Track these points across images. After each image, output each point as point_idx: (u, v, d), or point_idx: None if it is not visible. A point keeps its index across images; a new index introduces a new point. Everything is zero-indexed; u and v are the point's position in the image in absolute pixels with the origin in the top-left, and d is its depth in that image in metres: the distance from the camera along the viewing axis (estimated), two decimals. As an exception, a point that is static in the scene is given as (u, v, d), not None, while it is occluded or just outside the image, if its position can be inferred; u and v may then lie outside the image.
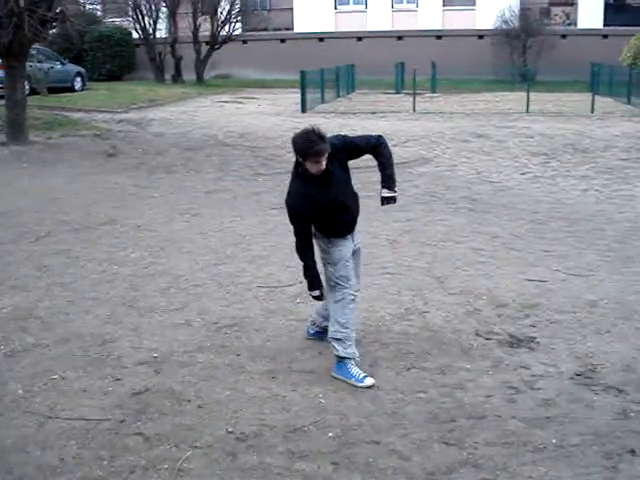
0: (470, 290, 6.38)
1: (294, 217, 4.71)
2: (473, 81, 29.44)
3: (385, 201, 4.86)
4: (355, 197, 4.92)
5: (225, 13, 32.29)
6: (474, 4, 35.66)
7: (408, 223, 8.69)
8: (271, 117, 20.32)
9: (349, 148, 4.77)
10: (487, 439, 4.05)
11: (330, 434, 4.11)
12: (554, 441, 4.03)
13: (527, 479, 3.70)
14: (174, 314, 5.89)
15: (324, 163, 4.50)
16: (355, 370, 4.75)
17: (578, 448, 3.97)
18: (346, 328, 4.76)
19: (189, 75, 32.22)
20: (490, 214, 9.24)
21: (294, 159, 4.70)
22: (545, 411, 4.34)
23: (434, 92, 26.94)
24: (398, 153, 13.85)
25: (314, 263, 4.81)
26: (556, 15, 36.36)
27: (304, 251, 4.79)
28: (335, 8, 36.94)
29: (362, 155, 4.91)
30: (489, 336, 5.41)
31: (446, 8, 35.95)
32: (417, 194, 10.36)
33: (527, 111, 21.10)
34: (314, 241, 4.83)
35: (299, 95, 22.23)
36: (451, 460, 3.86)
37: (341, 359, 4.78)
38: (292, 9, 36.80)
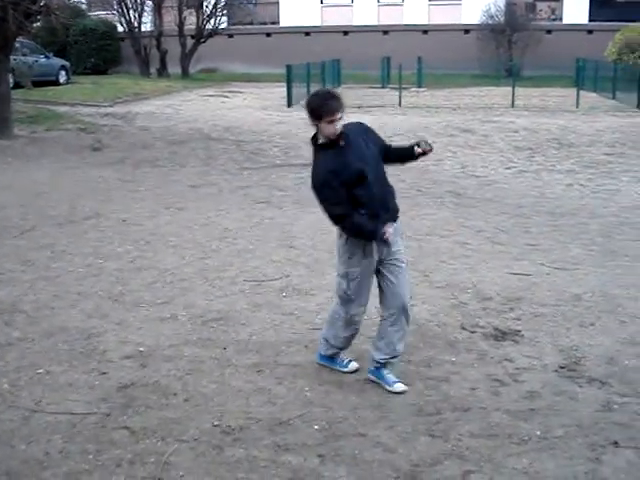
0: (455, 284, 6.41)
1: (323, 188, 4.36)
2: (459, 76, 29.50)
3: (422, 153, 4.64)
4: (386, 181, 4.58)
5: (211, 7, 32.18)
6: (460, -1, 35.72)
7: (394, 217, 8.71)
8: (257, 111, 20.29)
9: (371, 132, 4.62)
10: (472, 431, 4.08)
11: (316, 427, 4.12)
12: (538, 433, 4.07)
13: (511, 470, 3.72)
14: (160, 308, 5.89)
15: (339, 125, 4.28)
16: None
17: (562, 440, 4.01)
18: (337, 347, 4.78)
19: (174, 69, 32.10)
20: (475, 208, 9.28)
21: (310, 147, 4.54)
22: (529, 403, 4.38)
23: (420, 87, 26.99)
24: (384, 147, 13.87)
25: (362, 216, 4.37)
26: (541, 10, 36.45)
27: (348, 214, 4.35)
28: (321, 2, 36.88)
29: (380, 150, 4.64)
30: (474, 329, 5.44)
31: (432, 3, 35.97)
32: (403, 188, 10.36)
33: (512, 106, 21.18)
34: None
35: (285, 89, 22.20)
36: (436, 452, 3.88)
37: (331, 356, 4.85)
38: (278, 3, 36.72)
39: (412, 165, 13.43)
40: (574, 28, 34.01)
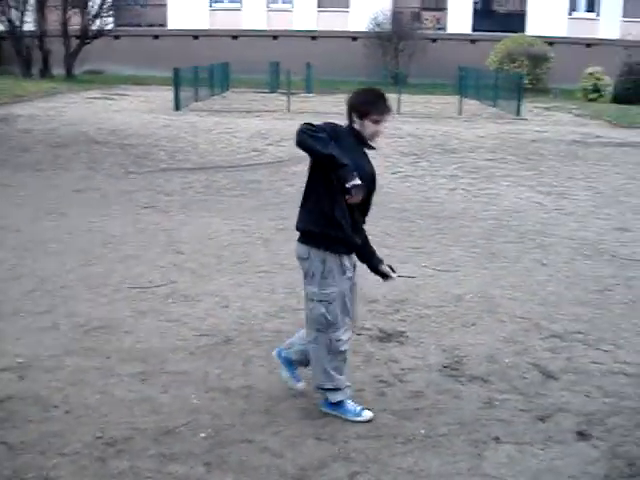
0: (342, 287, 6.46)
1: (312, 128, 3.90)
2: (347, 82, 29.85)
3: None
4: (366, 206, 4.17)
5: (96, 7, 31.38)
6: (348, 6, 36.23)
7: (282, 221, 8.72)
8: (144, 114, 19.91)
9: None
10: (358, 433, 4.12)
11: (202, 435, 4.07)
12: (423, 432, 4.15)
13: (397, 470, 3.78)
14: (40, 317, 5.67)
15: (384, 130, 4.04)
16: (349, 405, 4.29)
17: (446, 437, 4.10)
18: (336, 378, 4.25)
19: (58, 70, 31.13)
20: (362, 212, 9.42)
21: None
22: (414, 403, 4.46)
23: (309, 92, 27.18)
24: (272, 152, 13.91)
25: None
26: (427, 19, 37.45)
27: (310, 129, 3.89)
28: (210, 6, 36.64)
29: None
30: (360, 332, 5.50)
31: (321, 9, 36.35)
32: (291, 193, 10.40)
33: (398, 112, 21.60)
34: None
35: (172, 93, 21.90)
36: (323, 455, 3.90)
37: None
38: (166, 5, 36.22)
39: (301, 170, 13.44)
40: (458, 37, 35.16)
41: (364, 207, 4.13)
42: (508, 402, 4.52)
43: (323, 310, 4.05)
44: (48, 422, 4.15)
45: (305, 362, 4.39)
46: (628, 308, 6.23)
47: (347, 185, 3.82)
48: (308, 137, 3.88)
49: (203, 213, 9.15)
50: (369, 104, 4.06)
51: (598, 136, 17.80)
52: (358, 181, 3.82)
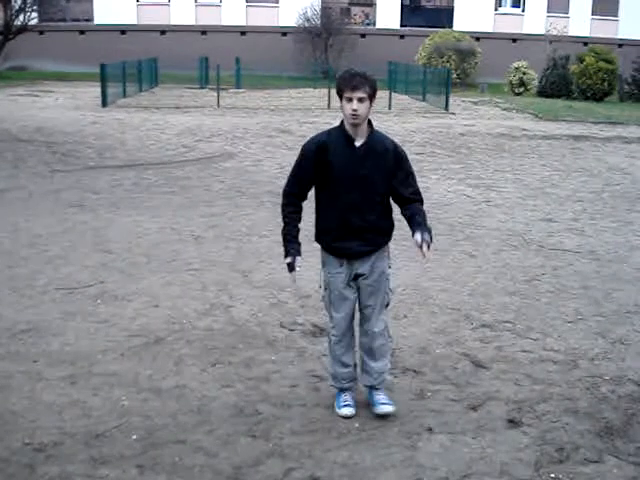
0: (274, 283, 6.45)
1: (300, 154, 4.21)
2: (277, 77, 29.84)
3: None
4: (374, 205, 4.27)
5: (20, 1, 30.52)
6: (277, 1, 36.17)
7: (213, 218, 8.65)
8: (70, 111, 19.49)
9: (400, 167, 4.21)
10: (293, 428, 4.11)
11: (134, 437, 4.00)
12: (357, 425, 4.17)
13: (332, 464, 3.79)
14: (-38, 322, 5.49)
15: (359, 106, 3.95)
16: (342, 397, 4.37)
17: (379, 430, 4.13)
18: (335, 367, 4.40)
19: (-21, 66, 30.23)
20: (294, 208, 9.40)
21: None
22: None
23: (239, 87, 27.04)
24: (202, 148, 13.79)
25: (293, 219, 4.24)
26: (356, 15, 37.70)
27: (286, 196, 4.26)
28: (137, 1, 36.08)
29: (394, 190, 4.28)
30: (293, 327, 5.50)
31: (249, 4, 36.21)
32: (222, 189, 10.35)
33: (329, 107, 21.69)
34: None
35: (100, 89, 21.49)
36: (258, 452, 3.88)
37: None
38: (92, 0, 35.50)
39: (231, 166, 13.35)
40: (387, 33, 35.50)
41: (366, 205, 4.23)
42: (440, 393, 4.58)
43: (322, 292, 4.36)
44: (-27, 430, 4.02)
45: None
46: (555, 297, 6.37)
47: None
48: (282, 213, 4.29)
49: (132, 211, 9.00)
50: (341, 82, 4.05)
51: (524, 129, 18.20)
52: (288, 259, 4.18)
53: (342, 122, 4.13)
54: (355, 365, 4.41)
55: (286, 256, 4.18)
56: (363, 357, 4.38)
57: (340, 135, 4.13)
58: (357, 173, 4.10)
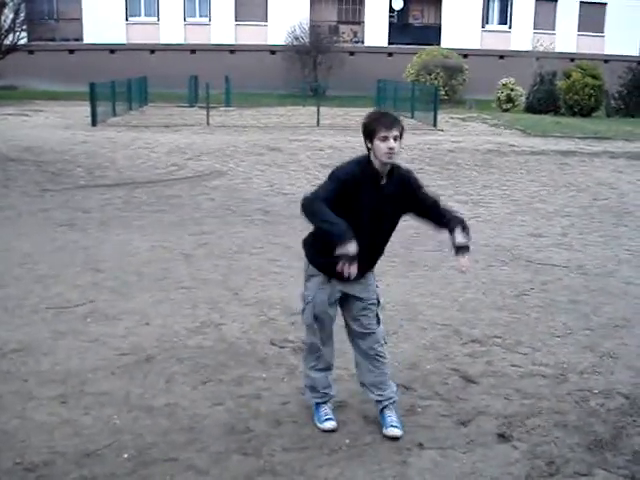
0: (265, 300, 6.46)
1: (333, 179, 4.04)
2: (266, 95, 29.97)
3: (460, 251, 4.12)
4: (386, 238, 4.30)
5: (9, 21, 30.58)
6: (266, 20, 36.38)
7: (203, 236, 8.66)
8: (60, 130, 19.50)
9: (418, 190, 4.24)
10: (284, 445, 4.12)
11: (125, 455, 3.99)
12: (347, 441, 4.18)
13: (323, 481, 3.80)
14: (-48, 342, 5.48)
15: (395, 145, 3.98)
16: (321, 411, 4.41)
17: (370, 446, 4.14)
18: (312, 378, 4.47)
19: (-31, 87, 30.22)
20: (284, 225, 9.40)
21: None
22: (339, 414, 4.47)
23: (228, 106, 27.13)
24: (192, 167, 13.82)
25: (329, 211, 3.88)
26: (344, 33, 37.92)
27: (315, 199, 3.94)
28: (126, 19, 36.24)
29: (416, 210, 4.29)
30: (283, 344, 5.51)
31: (238, 23, 36.41)
32: (212, 207, 10.36)
33: (318, 125, 21.78)
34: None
35: (89, 108, 21.52)
36: (249, 470, 3.88)
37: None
38: (81, 19, 35.61)
39: (221, 184, 13.35)
40: (375, 51, 35.75)
41: (379, 239, 4.24)
42: (430, 408, 4.60)
43: (301, 308, 4.46)
44: (-37, 450, 4.01)
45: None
46: (544, 311, 6.41)
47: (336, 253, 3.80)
48: (307, 212, 3.98)
49: (122, 230, 9.01)
50: (373, 122, 4.05)
51: (512, 145, 18.33)
52: (348, 250, 3.76)
53: (368, 157, 4.09)
54: (330, 367, 4.47)
55: (346, 241, 3.75)
56: (369, 366, 4.40)
57: (368, 171, 4.08)
58: (379, 210, 4.10)
